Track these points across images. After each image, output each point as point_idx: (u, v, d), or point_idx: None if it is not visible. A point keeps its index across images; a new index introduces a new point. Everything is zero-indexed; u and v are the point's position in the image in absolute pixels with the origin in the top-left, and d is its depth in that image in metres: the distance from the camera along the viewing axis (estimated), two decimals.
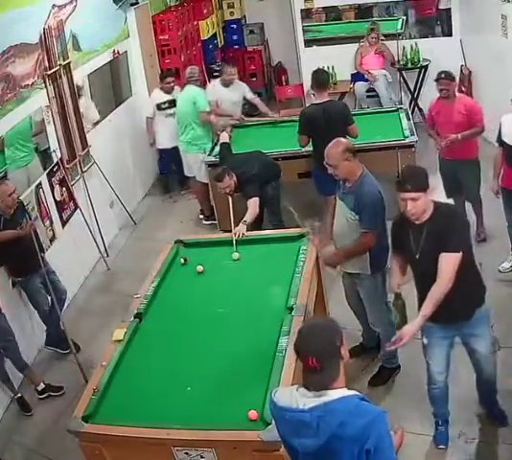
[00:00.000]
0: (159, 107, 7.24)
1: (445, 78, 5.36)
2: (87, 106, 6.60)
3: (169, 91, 7.24)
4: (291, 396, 2.28)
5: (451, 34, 8.68)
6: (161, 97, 7.25)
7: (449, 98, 5.40)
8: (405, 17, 8.77)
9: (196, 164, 6.86)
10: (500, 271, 5.25)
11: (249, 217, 5.12)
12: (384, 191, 3.97)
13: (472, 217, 5.63)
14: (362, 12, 8.89)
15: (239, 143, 6.40)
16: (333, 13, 9.00)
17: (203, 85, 7.21)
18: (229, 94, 7.03)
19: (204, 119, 6.64)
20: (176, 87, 7.27)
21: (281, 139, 6.39)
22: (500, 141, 4.93)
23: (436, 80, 5.44)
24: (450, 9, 8.58)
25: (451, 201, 5.49)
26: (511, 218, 5.13)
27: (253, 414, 3.04)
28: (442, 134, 5.51)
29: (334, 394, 2.20)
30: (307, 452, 2.26)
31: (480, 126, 5.40)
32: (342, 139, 4.10)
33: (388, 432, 2.20)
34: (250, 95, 7.28)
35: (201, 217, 7.06)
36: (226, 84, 7.01)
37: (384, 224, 3.97)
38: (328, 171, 3.97)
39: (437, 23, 8.78)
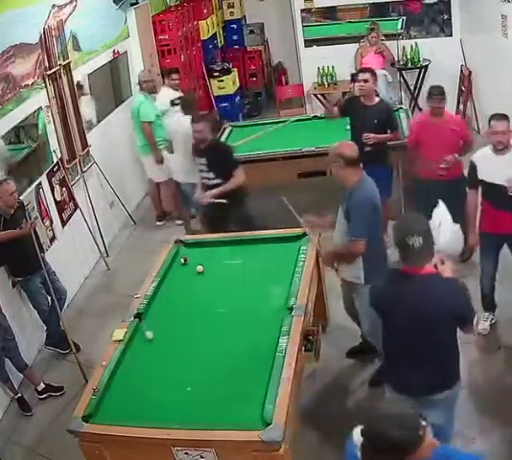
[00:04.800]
0: (173, 103, 7.01)
1: (438, 94, 5.08)
2: (86, 106, 6.61)
3: (176, 88, 7.14)
4: None
5: (451, 35, 8.69)
6: (171, 94, 7.06)
7: (440, 115, 5.13)
8: (404, 17, 8.79)
9: (151, 165, 6.93)
10: None
11: (229, 186, 5.23)
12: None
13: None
14: (376, 10, 8.87)
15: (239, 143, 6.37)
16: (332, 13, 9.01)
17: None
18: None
19: (145, 129, 6.65)
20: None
21: (281, 139, 6.38)
22: (472, 183, 4.43)
23: (429, 98, 5.18)
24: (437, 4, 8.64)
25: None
26: (491, 267, 4.55)
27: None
28: (430, 155, 5.17)
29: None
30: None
31: (471, 142, 5.23)
32: (350, 143, 4.06)
33: None
34: None
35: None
36: (176, 89, 7.08)
37: (380, 234, 3.97)
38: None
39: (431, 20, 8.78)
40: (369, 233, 3.85)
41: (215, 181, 5.34)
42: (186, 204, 6.63)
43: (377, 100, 5.61)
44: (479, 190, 4.44)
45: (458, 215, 5.53)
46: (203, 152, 5.41)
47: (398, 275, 3.01)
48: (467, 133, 5.26)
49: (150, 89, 6.83)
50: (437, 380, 3.04)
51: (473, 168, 4.39)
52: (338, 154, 3.85)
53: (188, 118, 5.76)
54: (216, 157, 5.35)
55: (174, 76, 7.17)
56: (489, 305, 4.68)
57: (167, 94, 7.06)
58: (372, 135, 5.45)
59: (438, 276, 2.98)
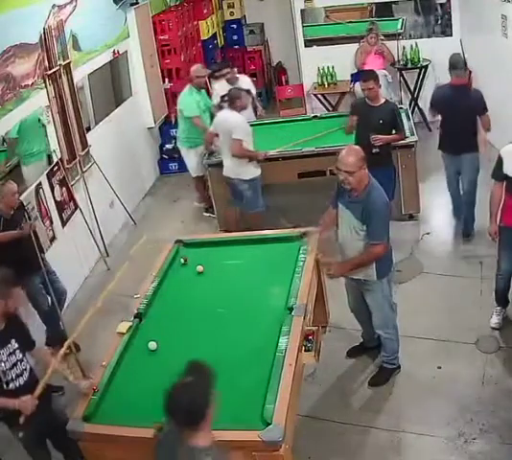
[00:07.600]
0: (223, 98, 6.82)
1: None
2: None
3: (233, 81, 7.03)
4: None
5: (451, 35, 8.69)
6: (226, 88, 6.85)
7: None
8: (405, 17, 8.78)
9: (189, 159, 7.01)
10: None
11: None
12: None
13: None
14: (381, 10, 8.83)
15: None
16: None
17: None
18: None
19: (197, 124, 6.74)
20: (240, 76, 7.24)
21: (281, 138, 6.38)
22: (499, 175, 4.34)
23: None
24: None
25: None
26: (509, 263, 4.50)
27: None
28: None
29: None
30: None
31: None
32: (355, 146, 4.02)
33: None
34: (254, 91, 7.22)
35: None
36: (232, 82, 7.01)
37: (388, 232, 3.97)
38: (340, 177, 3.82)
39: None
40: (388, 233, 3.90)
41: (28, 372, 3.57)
42: (236, 201, 6.29)
43: (382, 100, 5.61)
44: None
45: None
46: (9, 334, 3.36)
47: (448, 86, 5.62)
48: None
49: (199, 84, 6.87)
50: (469, 144, 5.46)
51: (500, 161, 4.32)
52: (363, 159, 3.79)
53: (234, 113, 5.82)
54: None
55: (224, 70, 7.15)
56: (502, 300, 4.69)
57: (223, 87, 6.88)
58: (380, 137, 5.45)
59: (469, 86, 5.68)
